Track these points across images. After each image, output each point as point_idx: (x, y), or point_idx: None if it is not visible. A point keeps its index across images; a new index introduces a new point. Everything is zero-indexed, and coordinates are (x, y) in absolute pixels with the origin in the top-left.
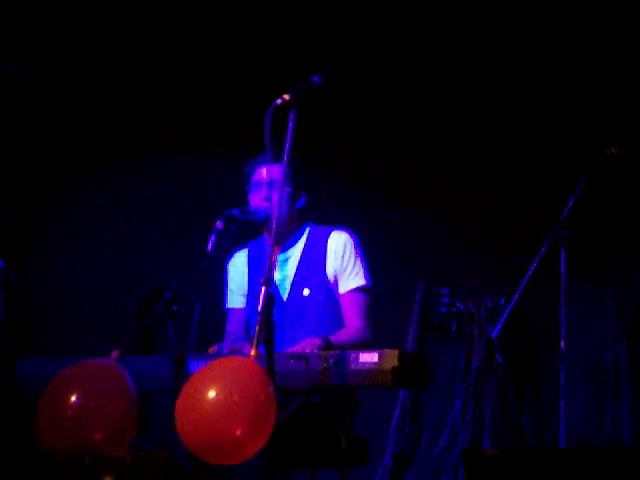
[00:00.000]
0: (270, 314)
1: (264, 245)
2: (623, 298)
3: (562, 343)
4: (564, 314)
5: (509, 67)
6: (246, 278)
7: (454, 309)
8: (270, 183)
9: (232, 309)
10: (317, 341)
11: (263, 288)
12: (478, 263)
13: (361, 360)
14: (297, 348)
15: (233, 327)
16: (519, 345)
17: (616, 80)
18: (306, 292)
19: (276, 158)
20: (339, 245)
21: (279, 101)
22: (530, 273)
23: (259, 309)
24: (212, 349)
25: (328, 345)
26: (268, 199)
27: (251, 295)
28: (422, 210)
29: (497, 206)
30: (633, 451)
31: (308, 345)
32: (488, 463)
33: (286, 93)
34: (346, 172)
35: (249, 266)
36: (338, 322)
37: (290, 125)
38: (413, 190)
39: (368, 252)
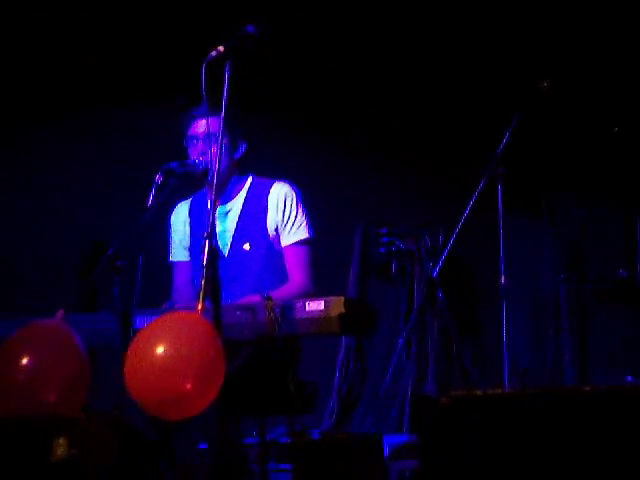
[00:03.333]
0: (215, 268)
1: (205, 198)
2: (559, 231)
3: (502, 278)
4: (503, 249)
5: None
6: (188, 230)
7: (394, 248)
8: (207, 136)
9: (177, 262)
10: (256, 299)
11: (207, 242)
12: (416, 202)
13: (307, 309)
14: (241, 302)
15: (179, 280)
16: (459, 282)
17: (548, 12)
18: (247, 246)
19: (211, 110)
20: (280, 198)
21: (214, 53)
22: (468, 210)
23: (204, 263)
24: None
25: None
26: (205, 153)
27: (194, 249)
28: (358, 152)
29: (433, 144)
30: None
31: (247, 302)
32: (438, 411)
33: (220, 45)
34: (281, 118)
35: (191, 219)
36: (280, 276)
37: (226, 77)
38: (348, 132)
39: (309, 196)
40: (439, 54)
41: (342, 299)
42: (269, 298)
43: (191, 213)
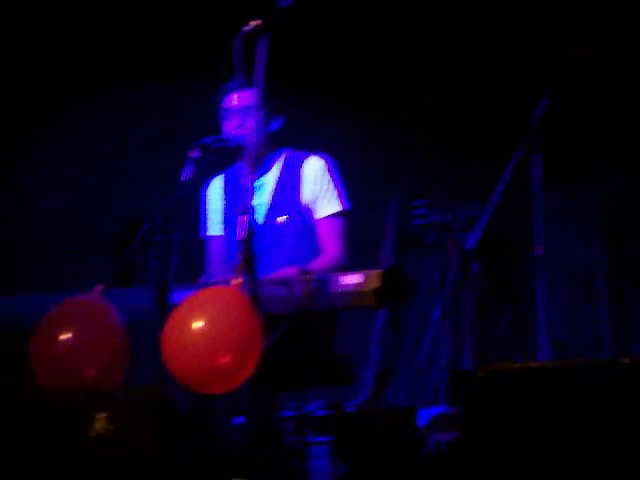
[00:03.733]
0: (250, 243)
1: (240, 172)
2: (597, 201)
3: (538, 249)
4: (539, 220)
5: None
6: (222, 205)
7: (429, 220)
8: (241, 110)
9: (211, 236)
10: (293, 271)
11: (243, 217)
12: (451, 173)
13: (344, 282)
14: (277, 275)
15: (214, 255)
16: (495, 254)
17: None
18: (281, 219)
19: (246, 84)
20: (315, 170)
21: (249, 26)
22: (504, 181)
23: (239, 238)
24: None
25: (305, 274)
26: (239, 126)
27: (228, 223)
28: (394, 123)
29: (469, 114)
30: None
31: (285, 274)
32: (476, 384)
33: (256, 18)
34: (316, 90)
35: (225, 193)
36: (314, 249)
37: (261, 51)
38: (384, 104)
39: (344, 168)
40: (475, 23)
41: (379, 272)
42: (306, 271)
43: (225, 187)
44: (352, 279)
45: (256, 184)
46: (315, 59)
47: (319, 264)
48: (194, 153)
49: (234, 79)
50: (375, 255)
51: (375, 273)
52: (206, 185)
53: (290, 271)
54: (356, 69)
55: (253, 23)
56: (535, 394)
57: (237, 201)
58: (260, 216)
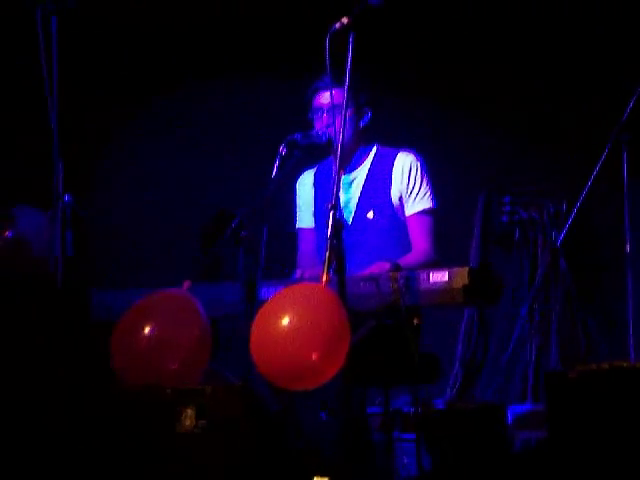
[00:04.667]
0: (340, 240)
1: (330, 166)
2: None
3: (627, 246)
4: (628, 217)
5: None
6: (313, 198)
7: (516, 217)
8: (331, 108)
9: (303, 229)
10: (386, 265)
11: (331, 213)
12: (539, 169)
13: (431, 280)
14: (366, 272)
15: (305, 247)
16: (583, 251)
17: None
18: (371, 215)
19: (335, 81)
20: (405, 167)
21: (338, 25)
22: (593, 177)
23: (328, 235)
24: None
25: (397, 269)
26: (330, 124)
27: (318, 217)
28: (481, 119)
29: (556, 111)
30: None
31: (377, 269)
32: (566, 384)
33: (344, 16)
34: (406, 86)
35: (315, 187)
36: (402, 245)
37: (350, 49)
38: (473, 101)
39: (431, 168)
40: (565, 20)
41: (466, 270)
42: (398, 266)
43: (316, 181)
44: (440, 276)
45: (346, 179)
46: (404, 56)
47: (409, 260)
48: (284, 149)
49: (323, 77)
50: (463, 252)
51: (462, 270)
52: (298, 177)
53: (382, 266)
54: (447, 64)
55: (343, 21)
56: (627, 395)
57: (327, 195)
58: (350, 211)
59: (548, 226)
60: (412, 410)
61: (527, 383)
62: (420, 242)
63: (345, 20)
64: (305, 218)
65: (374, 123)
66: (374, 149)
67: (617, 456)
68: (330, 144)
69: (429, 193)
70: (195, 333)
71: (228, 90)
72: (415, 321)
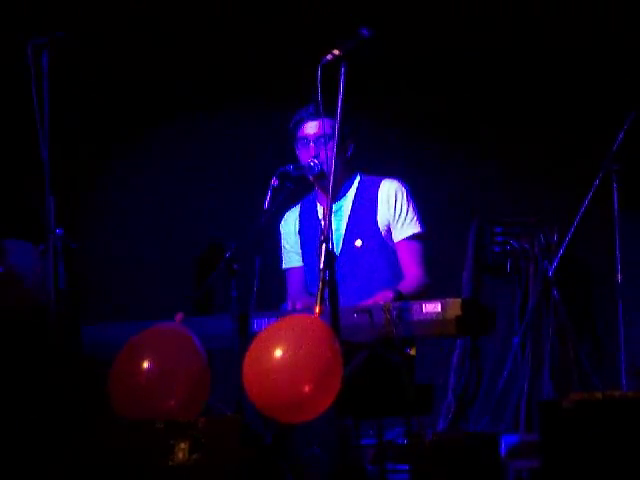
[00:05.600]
0: (332, 271)
1: (314, 200)
2: None
3: (618, 276)
4: (619, 247)
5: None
6: (299, 237)
7: (508, 247)
8: (319, 138)
9: (290, 269)
10: (389, 294)
11: (323, 245)
12: (530, 200)
13: (424, 311)
14: (370, 302)
15: (294, 286)
16: (575, 281)
17: None
18: (358, 243)
19: (320, 112)
20: (390, 194)
21: (329, 56)
22: (583, 208)
23: (320, 267)
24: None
25: (400, 297)
26: (317, 155)
27: (306, 253)
28: (472, 149)
29: (547, 141)
30: None
31: (381, 298)
32: (560, 413)
33: (335, 48)
34: (390, 115)
35: (301, 224)
36: (393, 271)
37: (341, 80)
38: (462, 130)
39: (419, 195)
40: (555, 50)
41: (459, 301)
42: (401, 294)
43: (301, 218)
44: (433, 307)
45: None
46: (390, 82)
47: (406, 287)
48: (276, 181)
49: (308, 107)
50: (455, 282)
51: (454, 301)
52: (281, 218)
53: (386, 294)
54: (433, 92)
55: (334, 52)
56: (619, 425)
57: (314, 230)
58: (337, 241)
59: (539, 256)
60: (405, 441)
61: (520, 413)
62: (411, 268)
63: (337, 52)
64: (292, 258)
65: (358, 153)
66: (357, 178)
67: None
68: (322, 175)
69: (416, 218)
70: (194, 368)
71: (220, 122)
72: (412, 352)
